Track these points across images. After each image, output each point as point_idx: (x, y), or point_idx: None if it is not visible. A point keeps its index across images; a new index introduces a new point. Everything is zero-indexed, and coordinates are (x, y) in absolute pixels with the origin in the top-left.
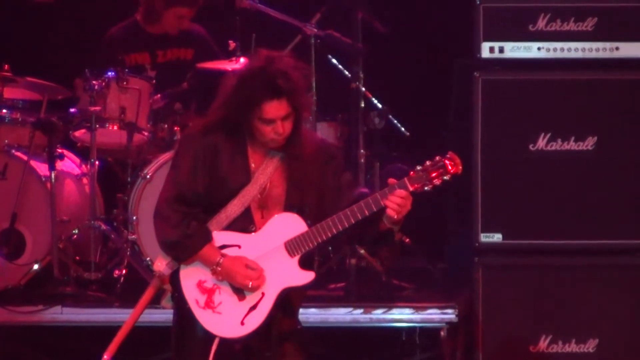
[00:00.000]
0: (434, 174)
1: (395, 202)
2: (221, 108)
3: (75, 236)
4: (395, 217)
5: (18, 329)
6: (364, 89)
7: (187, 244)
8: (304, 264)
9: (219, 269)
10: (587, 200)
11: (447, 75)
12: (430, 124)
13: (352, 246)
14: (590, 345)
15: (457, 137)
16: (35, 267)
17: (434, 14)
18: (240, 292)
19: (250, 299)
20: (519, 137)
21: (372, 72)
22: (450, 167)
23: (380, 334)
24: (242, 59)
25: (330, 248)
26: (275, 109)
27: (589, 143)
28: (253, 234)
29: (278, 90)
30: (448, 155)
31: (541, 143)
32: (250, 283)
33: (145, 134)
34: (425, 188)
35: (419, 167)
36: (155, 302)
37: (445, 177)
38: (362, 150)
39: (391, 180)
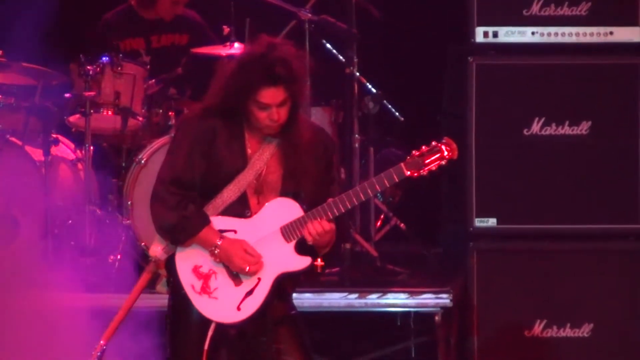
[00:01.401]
0: (430, 159)
1: (316, 230)
2: (219, 92)
3: (70, 221)
4: (310, 241)
5: (12, 314)
6: (358, 73)
7: (185, 227)
8: (300, 249)
9: (218, 250)
10: (582, 185)
11: (441, 60)
12: (425, 109)
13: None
14: (585, 330)
15: (451, 121)
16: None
17: None
18: (236, 277)
19: (247, 284)
20: (513, 121)
21: (367, 57)
22: (446, 152)
23: (375, 319)
24: (236, 44)
25: None
26: (271, 95)
27: (583, 127)
28: (249, 218)
29: (276, 77)
30: (444, 140)
31: (535, 127)
32: (248, 267)
33: (140, 119)
34: (422, 173)
35: (415, 152)
36: (150, 287)
37: (441, 162)
38: (356, 135)
39: (329, 200)
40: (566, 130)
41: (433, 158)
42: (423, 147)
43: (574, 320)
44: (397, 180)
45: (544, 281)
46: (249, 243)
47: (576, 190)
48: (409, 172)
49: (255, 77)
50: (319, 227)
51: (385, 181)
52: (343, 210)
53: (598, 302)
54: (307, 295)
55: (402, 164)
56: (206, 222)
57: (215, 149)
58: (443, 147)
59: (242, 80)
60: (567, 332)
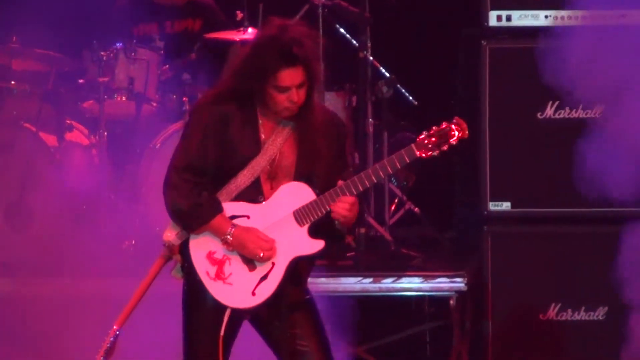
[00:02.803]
0: (441, 140)
1: (344, 207)
2: (233, 77)
3: (84, 207)
4: (342, 221)
5: (27, 301)
6: (371, 58)
7: (198, 214)
8: (314, 232)
9: (230, 238)
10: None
11: (454, 44)
12: (438, 93)
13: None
14: (600, 313)
15: (465, 105)
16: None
17: None
18: (250, 262)
19: (261, 269)
20: (527, 105)
21: (380, 41)
22: (456, 132)
23: (390, 303)
24: (250, 29)
25: None
26: (290, 76)
27: (597, 111)
28: (262, 203)
29: (293, 58)
30: (454, 120)
31: (549, 111)
32: (262, 253)
33: (154, 104)
34: (433, 153)
35: (425, 133)
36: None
37: (452, 142)
38: (370, 120)
39: (340, 183)
40: (580, 113)
41: (444, 138)
42: (433, 128)
43: (588, 303)
44: (407, 160)
45: (558, 264)
46: (260, 230)
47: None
48: (419, 153)
49: (272, 60)
50: (345, 204)
51: (396, 162)
52: (355, 193)
53: (613, 286)
54: (322, 279)
55: (412, 145)
56: (218, 210)
57: (228, 135)
58: (453, 127)
59: (258, 64)
60: (582, 315)
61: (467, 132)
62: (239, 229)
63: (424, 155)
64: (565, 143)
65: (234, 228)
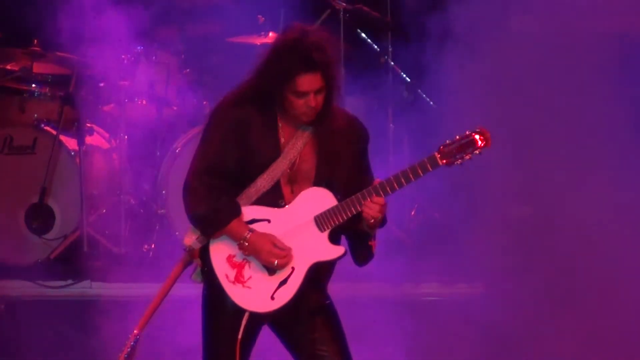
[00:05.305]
0: (464, 149)
1: (374, 209)
2: (253, 80)
3: (104, 210)
4: (372, 222)
5: (47, 304)
6: (392, 62)
7: (215, 218)
8: (334, 238)
9: (246, 244)
10: None
11: (475, 49)
12: (459, 98)
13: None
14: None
15: (485, 110)
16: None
17: None
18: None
19: (280, 273)
20: (548, 108)
21: (401, 46)
22: (480, 142)
23: (409, 308)
24: (270, 34)
25: None
26: (309, 82)
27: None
28: (283, 208)
29: (313, 63)
30: (478, 130)
31: (571, 114)
32: (276, 261)
33: (174, 108)
34: (456, 163)
35: (448, 141)
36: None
37: (475, 152)
38: (390, 124)
39: (377, 181)
40: (599, 116)
41: (467, 147)
42: (457, 137)
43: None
44: (431, 169)
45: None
46: (277, 237)
47: None
48: (443, 162)
49: (291, 64)
50: (376, 205)
51: (420, 171)
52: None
53: None
54: (341, 284)
55: (435, 153)
56: (236, 214)
57: (248, 139)
58: (477, 137)
59: (278, 68)
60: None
61: (490, 142)
62: (255, 236)
63: (447, 164)
64: (587, 146)
65: (250, 234)
